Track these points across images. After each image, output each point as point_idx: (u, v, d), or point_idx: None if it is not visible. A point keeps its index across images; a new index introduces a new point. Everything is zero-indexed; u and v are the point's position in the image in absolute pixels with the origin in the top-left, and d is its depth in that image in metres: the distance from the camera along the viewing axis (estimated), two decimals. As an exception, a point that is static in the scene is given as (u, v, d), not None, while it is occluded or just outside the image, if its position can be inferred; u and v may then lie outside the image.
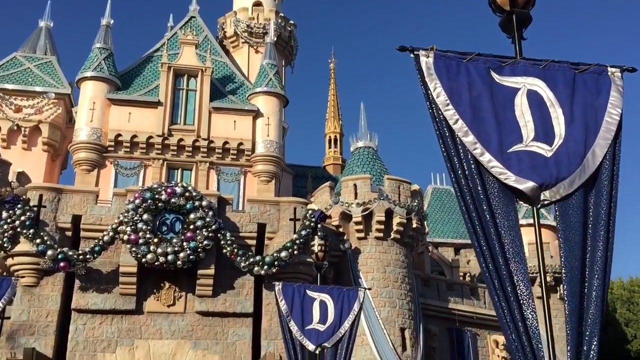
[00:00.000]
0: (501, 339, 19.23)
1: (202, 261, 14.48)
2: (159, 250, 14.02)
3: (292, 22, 24.55)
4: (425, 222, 18.18)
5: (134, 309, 14.47)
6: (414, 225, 17.30)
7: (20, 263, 14.13)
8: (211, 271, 14.61)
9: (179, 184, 14.93)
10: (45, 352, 13.47)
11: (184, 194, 14.64)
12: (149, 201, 14.35)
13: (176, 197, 14.57)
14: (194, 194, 14.77)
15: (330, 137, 26.71)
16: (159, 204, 14.46)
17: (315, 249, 12.25)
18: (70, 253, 13.76)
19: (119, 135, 18.25)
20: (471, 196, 3.89)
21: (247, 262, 14.66)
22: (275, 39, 21.82)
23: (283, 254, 14.78)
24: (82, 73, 18.73)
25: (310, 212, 15.78)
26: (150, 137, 18.37)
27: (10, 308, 14.31)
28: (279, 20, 23.50)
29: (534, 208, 3.94)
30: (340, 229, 17.37)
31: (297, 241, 15.00)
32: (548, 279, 19.61)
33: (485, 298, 19.79)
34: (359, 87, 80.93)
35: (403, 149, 79.05)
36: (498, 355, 18.98)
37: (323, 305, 9.89)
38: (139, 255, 14.00)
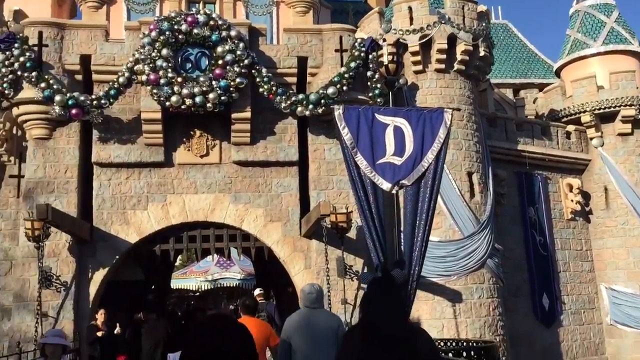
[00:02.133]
0: (576, 182, 17.12)
1: (235, 103, 12.30)
2: (185, 92, 11.84)
3: None
4: (492, 51, 15.41)
5: (163, 161, 12.62)
6: (482, 54, 14.61)
7: (28, 112, 12.18)
8: (247, 114, 12.47)
9: (202, 11, 12.38)
10: (68, 210, 11.90)
11: (208, 23, 12.15)
12: (167, 33, 11.95)
13: (199, 26, 12.10)
14: (220, 22, 12.26)
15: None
16: (180, 36, 12.05)
17: (385, 59, 9.86)
18: (82, 98, 11.69)
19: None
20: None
21: (288, 102, 12.43)
22: None
23: (330, 90, 12.45)
24: None
25: (359, 40, 13.20)
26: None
27: (24, 166, 12.68)
28: None
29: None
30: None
31: (346, 75, 12.58)
32: (632, 112, 16.98)
33: (558, 138, 17.42)
34: None
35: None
36: (572, 200, 16.95)
37: (398, 133, 7.74)
38: (161, 99, 11.87)
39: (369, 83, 13.08)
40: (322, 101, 12.43)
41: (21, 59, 11.75)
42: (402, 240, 13.28)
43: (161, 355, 8.69)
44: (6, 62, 11.89)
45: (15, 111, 12.30)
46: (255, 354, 4.59)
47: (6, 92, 11.90)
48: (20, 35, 12.12)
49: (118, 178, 12.55)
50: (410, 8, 14.47)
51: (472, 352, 8.67)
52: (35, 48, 12.09)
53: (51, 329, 8.70)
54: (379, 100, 12.99)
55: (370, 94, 13.04)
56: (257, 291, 13.58)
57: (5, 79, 11.86)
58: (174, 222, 12.58)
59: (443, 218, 13.50)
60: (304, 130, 13.25)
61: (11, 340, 11.08)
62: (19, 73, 11.80)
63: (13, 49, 11.85)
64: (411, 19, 14.44)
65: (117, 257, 12.27)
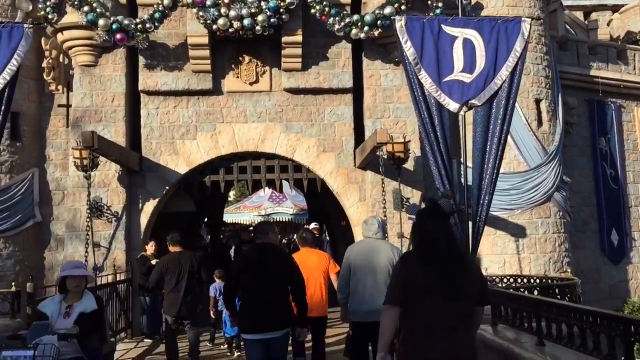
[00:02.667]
0: (653, 111, 15.78)
1: (285, 26, 11.53)
2: (232, 13, 11.13)
3: None
4: (566, -35, 13.97)
5: (211, 89, 12.08)
6: (554, -32, 13.25)
7: (72, 38, 11.78)
8: (298, 37, 11.69)
9: None
10: (116, 139, 11.61)
11: (255, -61, 11.27)
12: (213, -48, 11.16)
13: (246, -57, 11.25)
14: (269, -62, 11.36)
15: None
16: (226, -45, 11.25)
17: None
18: (126, 22, 11.13)
19: None
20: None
21: (342, 24, 11.55)
22: None
23: (387, 10, 11.49)
24: None
25: (419, -46, 12.07)
26: None
27: (72, 95, 12.38)
28: None
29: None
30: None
31: (405, -7, 11.58)
32: None
33: (635, 63, 15.97)
34: None
35: None
36: (648, 131, 15.68)
37: (468, 46, 6.93)
38: (208, 22, 11.21)
39: (429, 2, 12.04)
40: (379, 22, 11.50)
41: (63, -20, 11.24)
42: (469, 168, 12.57)
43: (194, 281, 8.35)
44: (49, -14, 11.42)
45: (60, 37, 11.91)
46: (293, 271, 5.44)
47: (49, 16, 11.46)
48: (62, -45, 11.56)
49: (166, 107, 12.12)
50: None
51: (557, 290, 7.99)
52: (78, -30, 11.53)
53: (70, 261, 8.17)
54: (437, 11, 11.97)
55: (431, 14, 12.01)
56: (312, 225, 13.21)
57: (48, 3, 11.41)
58: (224, 153, 12.16)
59: (507, 148, 12.52)
60: (358, 54, 12.41)
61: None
62: (61, -4, 11.32)
63: (54, -29, 11.33)
64: None
65: (167, 187, 12.01)
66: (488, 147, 7.58)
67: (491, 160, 7.64)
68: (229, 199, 43.87)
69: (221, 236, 21.52)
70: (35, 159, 12.60)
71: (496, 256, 12.54)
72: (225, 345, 10.01)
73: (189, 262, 8.08)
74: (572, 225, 13.88)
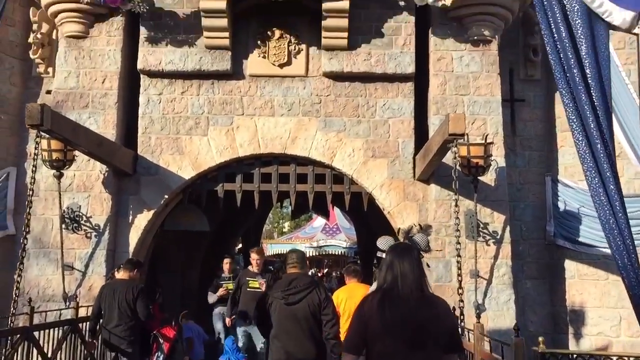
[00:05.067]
0: None
1: (328, -12, 8.71)
2: (257, -32, 8.41)
3: None
4: None
5: (229, 71, 9.31)
6: None
7: (58, 1, 9.29)
8: (344, 4, 8.78)
9: None
10: (104, 132, 8.96)
11: None
12: None
13: None
14: None
15: None
16: None
17: None
18: (122, -22, 8.58)
19: None
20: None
21: (403, -15, 8.63)
22: None
23: (465, -34, 8.50)
24: None
25: None
26: None
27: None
28: None
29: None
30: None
31: (489, -54, 8.57)
32: None
33: None
34: None
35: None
36: None
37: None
38: (226, -21, 8.51)
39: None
40: (453, -16, 8.52)
41: None
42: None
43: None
44: None
45: (44, 0, 9.45)
46: (327, 304, 4.97)
47: (32, -29, 9.06)
48: None
49: (171, 92, 9.42)
50: None
51: None
52: None
53: None
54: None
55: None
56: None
57: (29, -45, 9.03)
58: (242, 154, 9.31)
59: (625, 162, 9.17)
60: (424, 31, 9.42)
61: (25, 295, 8.27)
62: (44, -55, 8.89)
63: None
64: None
65: (167, 196, 9.21)
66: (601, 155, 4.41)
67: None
68: (284, 229, 41.96)
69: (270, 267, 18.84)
70: (12, 156, 10.12)
71: (607, 310, 9.08)
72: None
73: (124, 293, 6.79)
74: None
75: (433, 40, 9.28)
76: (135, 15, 9.22)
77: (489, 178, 8.68)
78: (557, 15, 4.50)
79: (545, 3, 4.60)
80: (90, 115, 9.12)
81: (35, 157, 7.47)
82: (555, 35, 4.61)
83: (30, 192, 7.58)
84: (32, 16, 10.10)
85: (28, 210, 7.53)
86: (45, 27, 10.25)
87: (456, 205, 7.71)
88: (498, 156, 8.74)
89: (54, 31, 10.24)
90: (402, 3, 9.17)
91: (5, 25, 10.21)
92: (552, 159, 9.86)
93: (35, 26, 10.17)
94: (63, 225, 8.65)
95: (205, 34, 9.10)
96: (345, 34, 9.05)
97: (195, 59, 9.24)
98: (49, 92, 10.22)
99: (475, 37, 9.12)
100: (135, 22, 9.38)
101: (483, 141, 8.13)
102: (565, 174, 9.58)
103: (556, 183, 9.58)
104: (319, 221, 27.37)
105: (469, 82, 9.14)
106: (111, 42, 9.35)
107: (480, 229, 8.54)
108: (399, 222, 8.94)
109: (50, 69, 10.32)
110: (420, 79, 9.38)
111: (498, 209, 8.74)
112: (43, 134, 7.48)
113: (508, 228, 8.75)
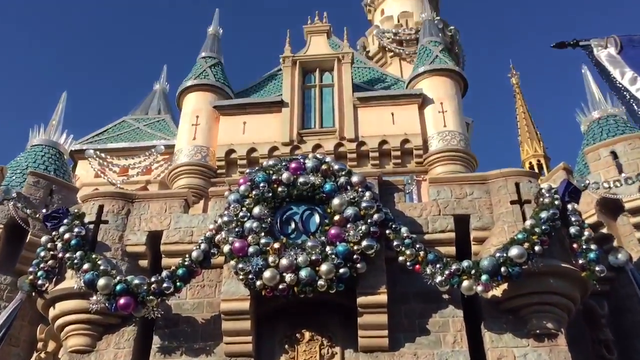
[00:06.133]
0: None
1: (362, 282, 7.84)
2: (284, 262, 7.69)
3: (452, 27, 18.94)
4: None
5: None
6: None
7: (65, 313, 8.43)
8: (382, 298, 7.81)
9: (310, 155, 8.85)
10: None
11: (318, 168, 8.48)
12: (263, 186, 8.35)
13: (306, 174, 8.44)
14: (336, 167, 8.55)
15: (531, 162, 19.41)
16: (279, 190, 8.36)
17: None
18: (137, 282, 7.84)
19: (231, 151, 12.82)
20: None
21: (445, 274, 7.72)
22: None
23: (513, 251, 7.66)
24: (182, 85, 14.07)
25: (546, 186, 8.74)
26: (274, 147, 12.72)
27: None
28: (436, 23, 17.82)
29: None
30: (602, 230, 9.92)
31: (536, 229, 7.86)
32: None
33: None
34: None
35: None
36: None
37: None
38: (249, 277, 7.73)
39: (574, 244, 8.19)
40: (503, 269, 7.61)
41: (66, 235, 8.46)
42: None
43: None
44: (48, 245, 8.68)
45: (51, 313, 8.63)
46: None
47: (39, 282, 8.43)
48: (75, 210, 9.07)
49: (183, 409, 7.87)
50: (614, 153, 10.06)
51: None
52: (91, 226, 8.87)
53: None
54: (597, 270, 7.96)
55: (580, 261, 8.05)
56: None
57: (41, 266, 8.51)
58: None
59: None
60: (475, 324, 8.19)
61: None
62: (59, 256, 8.43)
63: (60, 227, 8.69)
64: (619, 167, 9.94)
65: None
66: None
67: None
68: None
69: None
70: None
71: None
72: None
73: None
74: None
75: (488, 335, 7.98)
76: (149, 324, 8.26)
77: None
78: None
79: None
80: None
81: None
82: None
83: None
84: (39, 334, 9.23)
85: None
86: (51, 346, 9.35)
87: None
88: None
89: (61, 351, 9.22)
90: (445, 296, 8.17)
91: (8, 345, 9.30)
92: None
93: (40, 344, 9.23)
94: None
95: (226, 339, 7.98)
96: (385, 332, 7.86)
97: None
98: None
99: (538, 331, 7.84)
100: (148, 331, 8.37)
101: None
102: None
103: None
104: None
105: (540, 381, 7.53)
106: (119, 355, 8.18)
107: None
108: None
109: (48, 392, 9.00)
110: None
111: None
112: None
113: None
